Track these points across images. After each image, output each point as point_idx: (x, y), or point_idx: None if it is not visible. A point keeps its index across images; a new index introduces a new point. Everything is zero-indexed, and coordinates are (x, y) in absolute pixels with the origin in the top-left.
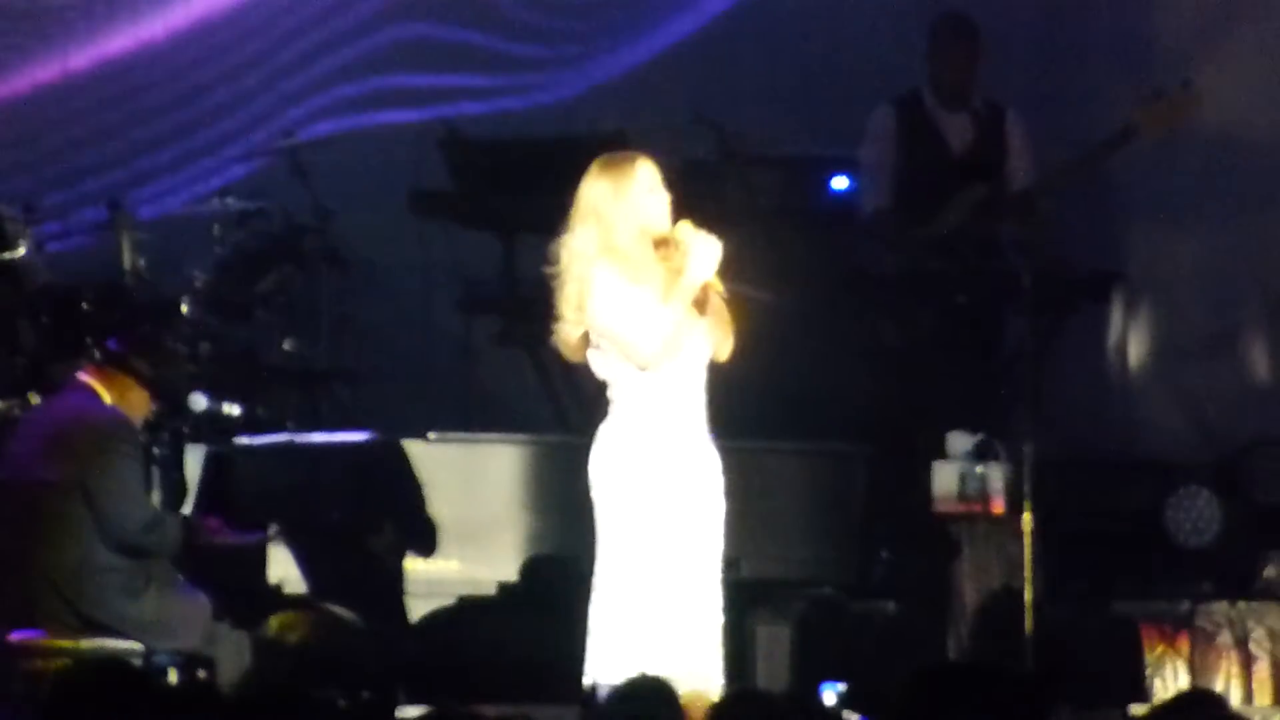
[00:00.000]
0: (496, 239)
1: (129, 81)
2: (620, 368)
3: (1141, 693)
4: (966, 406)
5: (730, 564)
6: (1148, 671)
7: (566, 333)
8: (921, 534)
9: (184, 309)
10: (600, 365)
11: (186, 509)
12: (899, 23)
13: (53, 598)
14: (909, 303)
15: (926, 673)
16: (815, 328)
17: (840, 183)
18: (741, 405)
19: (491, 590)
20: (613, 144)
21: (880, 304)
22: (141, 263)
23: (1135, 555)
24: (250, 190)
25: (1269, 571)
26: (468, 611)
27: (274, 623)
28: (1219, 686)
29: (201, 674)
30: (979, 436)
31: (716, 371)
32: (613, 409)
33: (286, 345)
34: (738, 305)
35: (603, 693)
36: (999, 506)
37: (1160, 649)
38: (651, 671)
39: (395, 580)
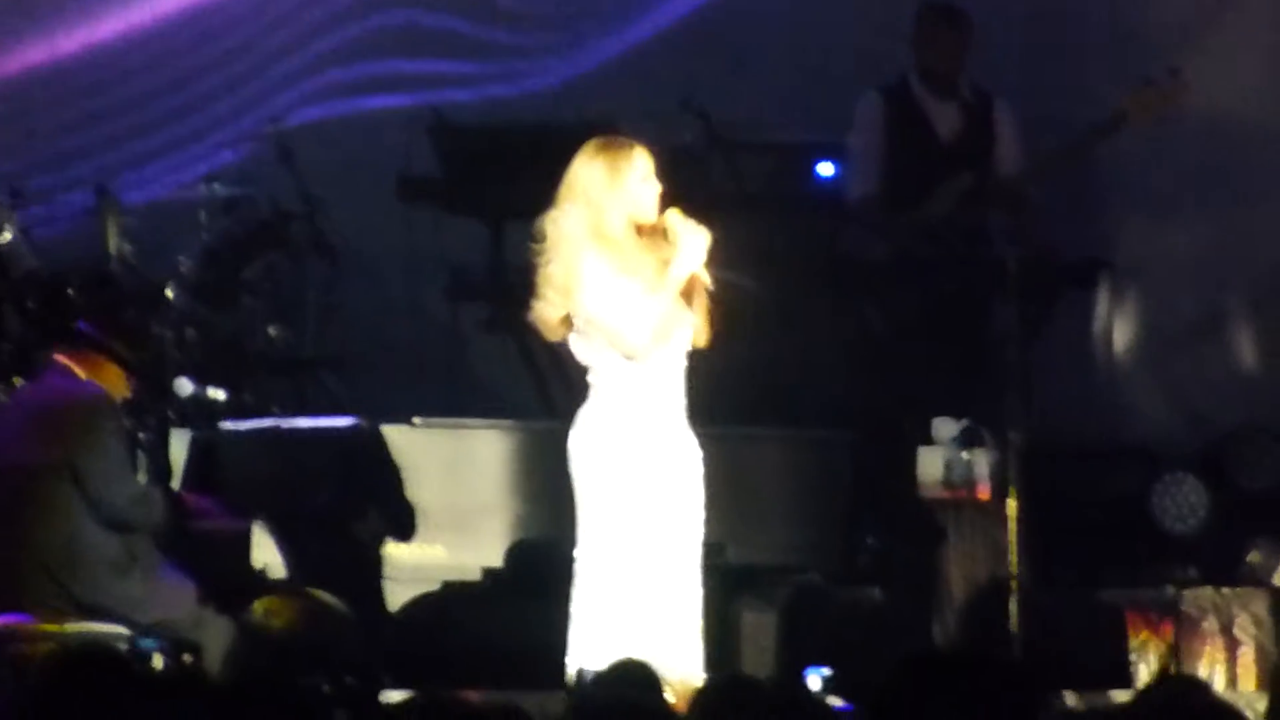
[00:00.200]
0: (484, 225)
1: (118, 66)
2: (604, 354)
3: (1126, 679)
4: (953, 393)
5: (716, 550)
6: (1132, 657)
7: (546, 312)
8: (907, 520)
9: (170, 295)
10: (582, 351)
11: None
12: (887, 9)
13: (42, 580)
14: (895, 290)
15: (912, 659)
16: (801, 314)
17: (826, 169)
18: (728, 391)
19: (477, 576)
20: (600, 130)
21: (867, 291)
22: (128, 248)
23: (1121, 542)
24: (237, 176)
25: (1253, 558)
26: (453, 597)
27: (259, 608)
28: (1203, 672)
29: (187, 659)
30: (965, 423)
31: (703, 358)
32: (593, 394)
33: (273, 331)
34: (723, 292)
35: (587, 678)
36: (985, 493)
37: (1145, 635)
38: (633, 657)
39: (381, 566)
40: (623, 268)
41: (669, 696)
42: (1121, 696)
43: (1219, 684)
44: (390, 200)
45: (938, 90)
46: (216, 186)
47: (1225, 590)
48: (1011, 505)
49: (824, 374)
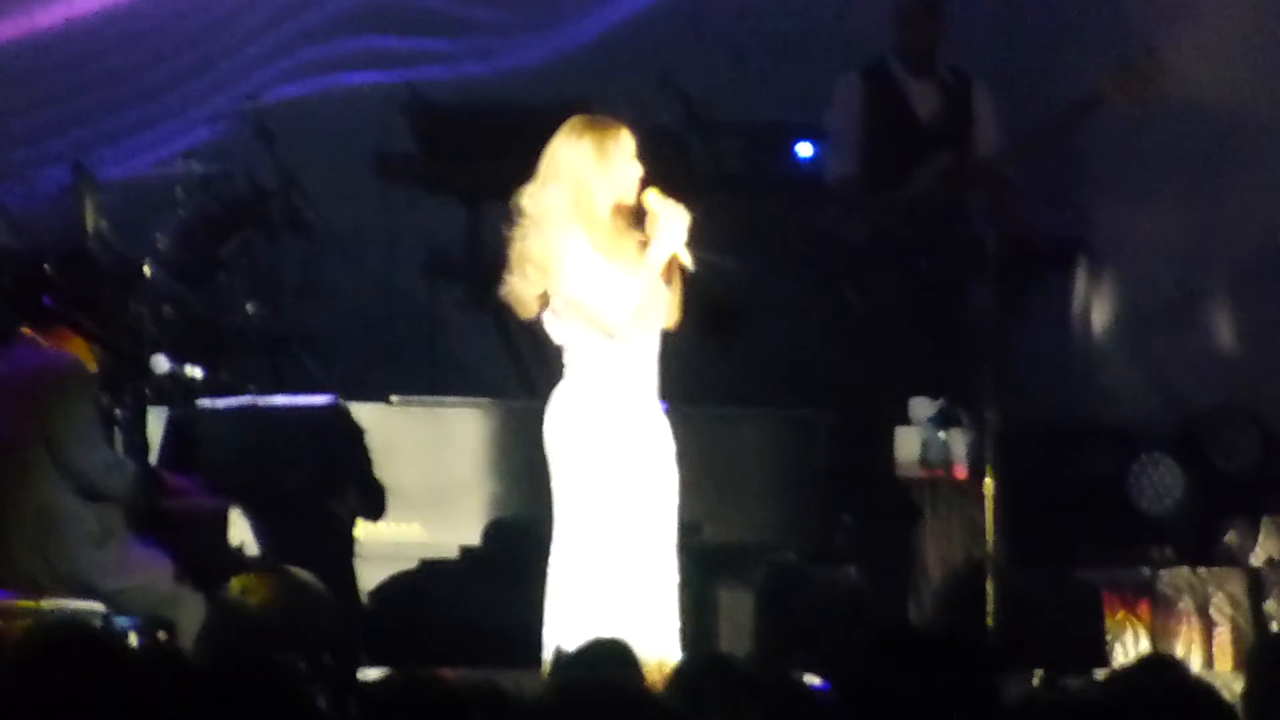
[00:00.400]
0: (461, 204)
1: (94, 42)
2: (579, 333)
3: (1102, 658)
4: (930, 372)
5: (692, 528)
6: (1108, 637)
7: (522, 288)
8: (884, 500)
9: (147, 272)
10: (557, 330)
11: None
12: None
13: (22, 551)
14: (873, 269)
15: (888, 638)
16: (779, 293)
17: (805, 149)
18: (705, 370)
19: (455, 555)
20: (578, 110)
21: (845, 270)
22: (105, 225)
23: (1097, 522)
24: (214, 153)
25: (1230, 538)
26: (431, 576)
27: (236, 586)
28: (1179, 652)
29: (162, 636)
30: (942, 402)
31: (680, 338)
32: (568, 373)
33: (250, 309)
34: (701, 272)
35: (564, 657)
36: (961, 472)
37: (1121, 615)
38: (610, 635)
39: (358, 544)
40: (604, 247)
41: (645, 675)
42: (1099, 675)
43: (1195, 664)
44: (368, 178)
45: (916, 71)
46: (194, 163)
47: (1202, 570)
48: (988, 485)
49: (801, 352)
